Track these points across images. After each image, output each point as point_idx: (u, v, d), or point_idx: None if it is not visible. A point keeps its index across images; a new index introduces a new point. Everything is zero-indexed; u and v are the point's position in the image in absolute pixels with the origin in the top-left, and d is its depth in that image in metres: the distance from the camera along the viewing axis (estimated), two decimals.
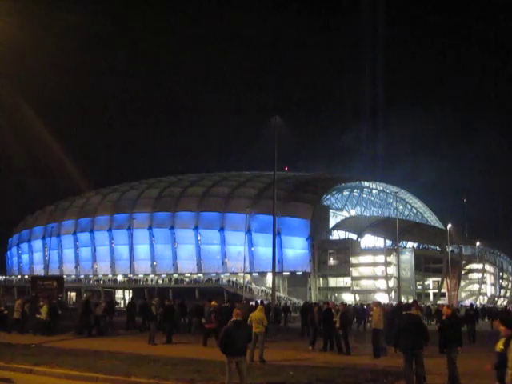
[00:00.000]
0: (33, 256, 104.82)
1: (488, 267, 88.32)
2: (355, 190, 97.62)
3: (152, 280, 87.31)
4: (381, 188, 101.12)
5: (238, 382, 10.93)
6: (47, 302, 26.21)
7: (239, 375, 10.86)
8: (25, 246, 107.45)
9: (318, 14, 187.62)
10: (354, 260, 79.41)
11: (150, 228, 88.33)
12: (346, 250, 79.31)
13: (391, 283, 76.73)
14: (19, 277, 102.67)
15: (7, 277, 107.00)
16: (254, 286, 77.29)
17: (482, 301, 78.08)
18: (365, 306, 47.69)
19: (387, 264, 77.36)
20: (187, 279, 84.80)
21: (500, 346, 7.87)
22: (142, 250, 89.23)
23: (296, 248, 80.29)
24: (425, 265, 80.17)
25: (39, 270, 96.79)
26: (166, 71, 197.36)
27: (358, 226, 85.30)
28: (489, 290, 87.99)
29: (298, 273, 78.60)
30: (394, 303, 49.27)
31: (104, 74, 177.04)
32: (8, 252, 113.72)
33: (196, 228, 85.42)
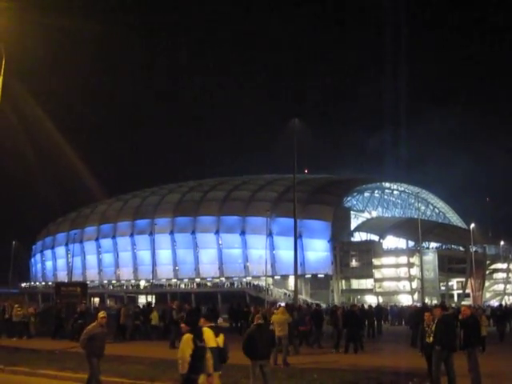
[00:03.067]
0: (56, 263, 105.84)
1: None
2: (376, 191, 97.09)
3: (174, 285, 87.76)
4: (402, 189, 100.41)
5: None
6: (156, 309, 28.53)
7: (263, 379, 10.82)
8: (48, 252, 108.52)
9: (340, 13, 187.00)
10: (376, 261, 78.93)
11: (171, 233, 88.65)
12: (368, 251, 78.87)
13: (414, 284, 76.07)
14: (43, 283, 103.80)
15: (31, 284, 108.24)
16: (271, 287, 76.96)
17: (507, 300, 77.05)
18: (388, 307, 47.58)
19: (410, 265, 76.74)
20: (209, 283, 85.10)
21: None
22: (164, 255, 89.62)
23: (318, 250, 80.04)
24: (448, 265, 79.31)
25: (63, 277, 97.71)
26: (184, 71, 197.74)
27: (380, 227, 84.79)
28: None
29: (320, 275, 78.41)
30: (418, 304, 48.91)
31: (123, 79, 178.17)
32: (32, 259, 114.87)
33: (217, 232, 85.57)
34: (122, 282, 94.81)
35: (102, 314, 12.26)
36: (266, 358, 10.99)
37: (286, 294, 74.98)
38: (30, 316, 27.76)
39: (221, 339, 8.99)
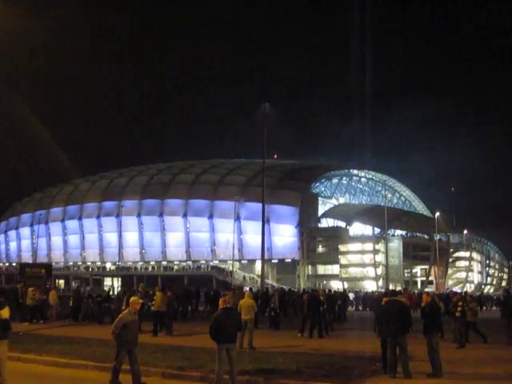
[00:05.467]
0: (21, 243, 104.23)
1: (475, 255, 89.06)
2: (344, 178, 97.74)
3: (141, 267, 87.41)
4: (369, 176, 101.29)
5: (227, 369, 10.94)
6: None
7: (229, 362, 10.86)
8: (12, 233, 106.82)
9: (312, 4, 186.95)
10: (342, 248, 79.67)
11: (138, 215, 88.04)
12: (335, 237, 79.51)
13: (379, 271, 77.16)
14: (7, 264, 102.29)
15: None
16: (237, 271, 77.23)
17: (468, 288, 78.76)
18: (352, 294, 48.12)
19: (375, 252, 77.75)
20: (176, 267, 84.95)
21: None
22: (131, 237, 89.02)
23: (285, 236, 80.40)
24: (413, 252, 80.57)
25: (27, 258, 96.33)
26: (153, 59, 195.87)
27: (347, 213, 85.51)
28: (476, 277, 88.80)
29: (286, 260, 78.85)
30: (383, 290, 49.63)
31: (94, 60, 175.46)
32: None
33: (185, 215, 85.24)
34: (88, 263, 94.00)
35: (135, 299, 11.44)
36: (233, 341, 11.03)
37: (251, 278, 75.32)
38: (46, 299, 27.02)
39: (5, 312, 10.34)
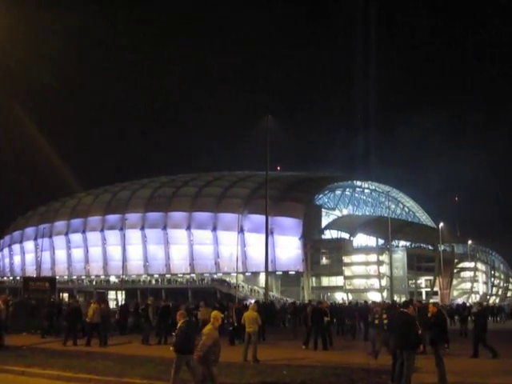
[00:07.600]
0: (25, 257, 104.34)
1: (480, 266, 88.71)
2: (347, 190, 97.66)
3: (145, 281, 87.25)
4: (373, 187, 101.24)
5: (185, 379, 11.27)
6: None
7: (192, 372, 11.12)
8: (16, 247, 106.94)
9: (314, 14, 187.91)
10: (346, 259, 79.47)
11: (142, 228, 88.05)
12: (339, 249, 79.32)
13: (384, 282, 76.85)
14: (11, 278, 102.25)
15: None
16: (242, 284, 77.01)
17: (473, 299, 78.37)
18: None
19: (380, 263, 77.48)
20: (180, 279, 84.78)
21: None
22: (135, 250, 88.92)
23: (289, 248, 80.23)
24: (417, 263, 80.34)
25: (31, 272, 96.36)
26: (154, 70, 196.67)
27: (351, 225, 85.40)
28: (481, 288, 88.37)
29: (290, 272, 78.66)
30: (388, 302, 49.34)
31: (94, 73, 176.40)
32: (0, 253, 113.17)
33: (188, 228, 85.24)
34: (92, 277, 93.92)
35: (218, 314, 11.00)
36: (193, 352, 11.17)
37: (255, 290, 75.13)
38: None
39: None
